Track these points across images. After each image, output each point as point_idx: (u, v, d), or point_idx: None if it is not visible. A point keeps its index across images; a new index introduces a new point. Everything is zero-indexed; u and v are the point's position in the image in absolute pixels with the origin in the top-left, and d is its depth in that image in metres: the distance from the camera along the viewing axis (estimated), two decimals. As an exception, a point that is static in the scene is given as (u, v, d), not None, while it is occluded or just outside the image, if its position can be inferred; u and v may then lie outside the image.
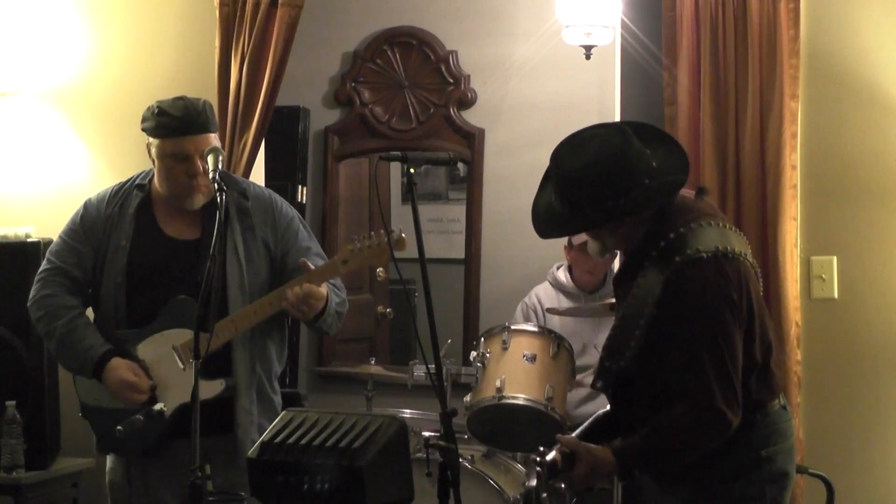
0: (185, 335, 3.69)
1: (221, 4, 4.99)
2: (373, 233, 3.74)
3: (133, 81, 5.21)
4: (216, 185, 3.43)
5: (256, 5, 4.94)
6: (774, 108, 4.67)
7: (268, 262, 3.86)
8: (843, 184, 4.73)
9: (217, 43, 5.00)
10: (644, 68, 5.72)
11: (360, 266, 3.82)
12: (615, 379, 3.10)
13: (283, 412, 3.22)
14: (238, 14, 4.96)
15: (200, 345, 3.19)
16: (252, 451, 3.13)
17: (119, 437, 3.72)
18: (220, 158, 3.64)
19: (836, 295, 4.73)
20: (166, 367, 3.76)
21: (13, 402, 4.79)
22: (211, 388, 3.69)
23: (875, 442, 4.73)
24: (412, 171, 3.20)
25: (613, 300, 4.59)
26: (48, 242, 5.04)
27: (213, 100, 5.12)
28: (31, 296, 3.92)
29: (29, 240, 4.98)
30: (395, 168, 4.06)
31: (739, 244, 3.10)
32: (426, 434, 4.15)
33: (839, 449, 4.72)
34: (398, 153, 3.26)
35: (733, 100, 4.72)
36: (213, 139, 3.78)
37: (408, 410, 4.79)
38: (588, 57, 5.31)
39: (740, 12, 4.70)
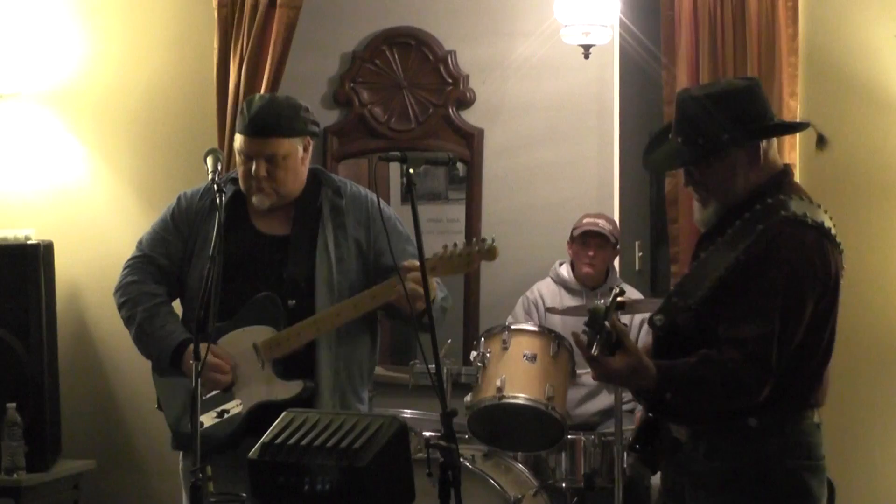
0: (265, 332, 3.67)
1: (220, 5, 4.99)
2: (472, 240, 3.61)
3: (131, 83, 5.21)
4: (215, 186, 3.42)
5: (255, 6, 4.94)
6: (773, 106, 4.63)
7: (360, 262, 3.80)
8: (842, 182, 4.72)
9: (216, 44, 5.00)
10: (643, 67, 5.72)
11: (448, 274, 3.70)
12: (672, 321, 3.02)
13: (284, 412, 3.22)
14: (237, 15, 4.96)
15: (201, 350, 3.16)
16: (252, 452, 3.12)
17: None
18: (220, 159, 3.63)
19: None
20: (244, 364, 3.70)
21: (14, 405, 4.79)
22: (288, 389, 3.66)
23: (875, 442, 4.73)
24: (411, 171, 3.20)
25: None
26: (48, 244, 5.05)
27: (212, 100, 5.12)
28: (117, 282, 3.86)
29: (29, 242, 4.98)
30: (395, 168, 4.03)
31: (837, 237, 3.05)
32: (427, 434, 4.16)
33: (839, 449, 4.70)
34: (397, 153, 3.25)
35: (732, 98, 4.71)
36: (286, 144, 3.68)
37: (408, 410, 4.79)
38: (587, 56, 5.31)
39: (739, 11, 4.70)
